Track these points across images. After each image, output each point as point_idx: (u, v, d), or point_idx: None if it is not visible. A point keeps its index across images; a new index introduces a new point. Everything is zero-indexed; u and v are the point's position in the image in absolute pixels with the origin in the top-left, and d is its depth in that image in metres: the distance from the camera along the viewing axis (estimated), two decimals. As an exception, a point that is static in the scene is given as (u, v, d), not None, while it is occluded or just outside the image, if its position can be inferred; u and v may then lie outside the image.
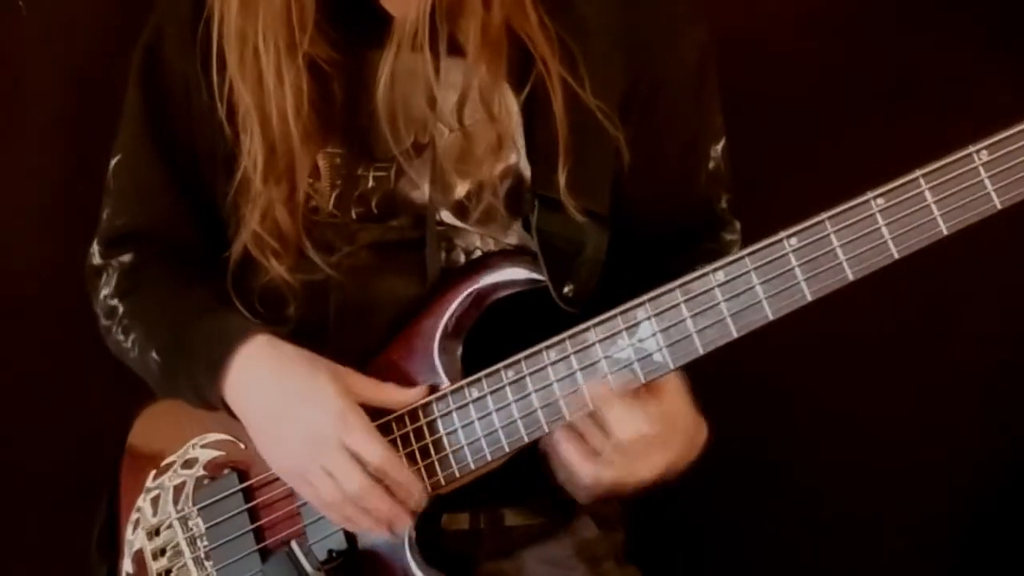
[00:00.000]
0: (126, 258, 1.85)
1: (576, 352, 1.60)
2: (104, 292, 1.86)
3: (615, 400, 1.57)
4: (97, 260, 1.88)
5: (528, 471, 1.72)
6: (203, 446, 1.82)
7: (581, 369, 1.60)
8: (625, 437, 1.56)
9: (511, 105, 1.69)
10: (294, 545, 1.70)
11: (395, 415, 1.68)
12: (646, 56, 1.72)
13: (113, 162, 1.86)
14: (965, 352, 2.30)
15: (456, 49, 1.68)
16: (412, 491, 1.65)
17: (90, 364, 2.23)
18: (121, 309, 1.83)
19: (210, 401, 1.73)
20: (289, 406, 1.66)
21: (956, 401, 2.32)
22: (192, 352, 1.74)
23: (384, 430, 1.67)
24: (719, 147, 1.79)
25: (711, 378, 1.63)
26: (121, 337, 1.83)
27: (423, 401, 1.67)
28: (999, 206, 1.41)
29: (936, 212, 1.43)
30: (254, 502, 1.78)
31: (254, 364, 1.69)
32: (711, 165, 1.79)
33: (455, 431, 1.66)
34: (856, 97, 2.22)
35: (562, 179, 1.67)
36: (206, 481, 1.81)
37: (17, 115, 2.28)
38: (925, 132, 1.47)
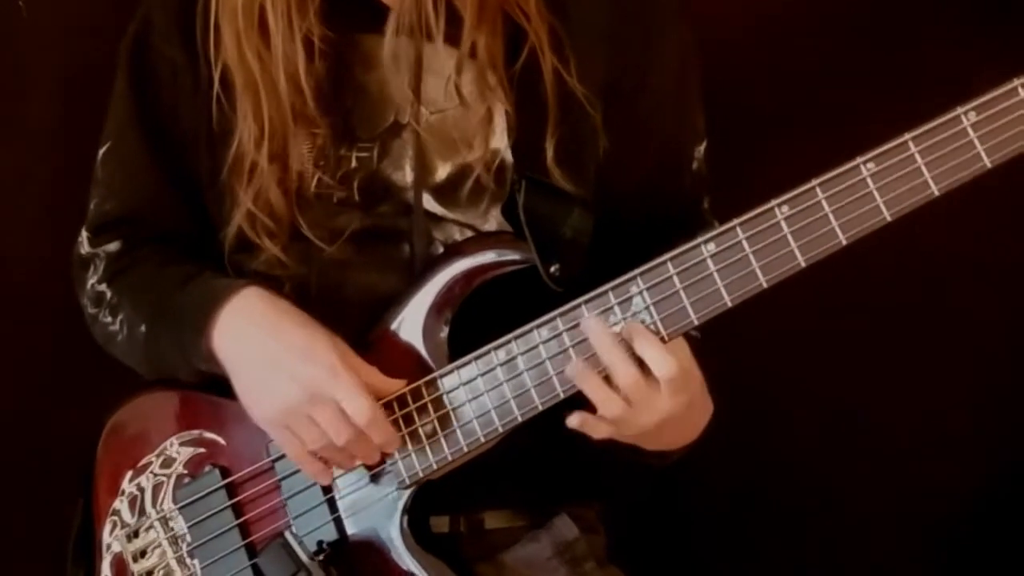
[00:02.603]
0: (113, 247, 1.85)
1: (568, 329, 1.61)
2: (91, 281, 1.85)
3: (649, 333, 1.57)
4: (86, 249, 1.87)
5: (508, 474, 1.74)
6: (182, 444, 1.81)
7: (574, 346, 1.60)
8: (661, 374, 1.56)
9: (498, 85, 1.70)
10: (288, 535, 1.69)
11: (383, 401, 1.67)
12: (631, 51, 1.74)
13: (101, 151, 1.87)
14: (964, 348, 2.34)
15: (447, 37, 1.69)
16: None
17: (64, 366, 2.22)
18: (108, 293, 1.83)
19: (195, 360, 1.72)
20: (281, 355, 1.65)
21: (955, 397, 2.35)
22: (179, 313, 1.74)
23: (374, 417, 1.67)
24: (701, 148, 1.81)
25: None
26: (109, 319, 1.81)
27: (412, 387, 1.67)
28: (989, 165, 1.45)
29: (927, 174, 1.46)
30: (237, 498, 1.76)
31: (244, 314, 1.69)
32: (695, 166, 1.81)
33: (447, 414, 1.66)
34: (850, 95, 2.25)
35: (550, 151, 1.69)
36: (186, 480, 1.79)
37: (17, 115, 2.28)
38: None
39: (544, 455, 1.77)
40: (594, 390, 1.58)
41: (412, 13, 1.68)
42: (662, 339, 1.57)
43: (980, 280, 2.33)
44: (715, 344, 1.66)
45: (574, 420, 1.60)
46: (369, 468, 1.70)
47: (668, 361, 1.55)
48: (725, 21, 2.19)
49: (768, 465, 2.37)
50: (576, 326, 1.60)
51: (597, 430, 1.60)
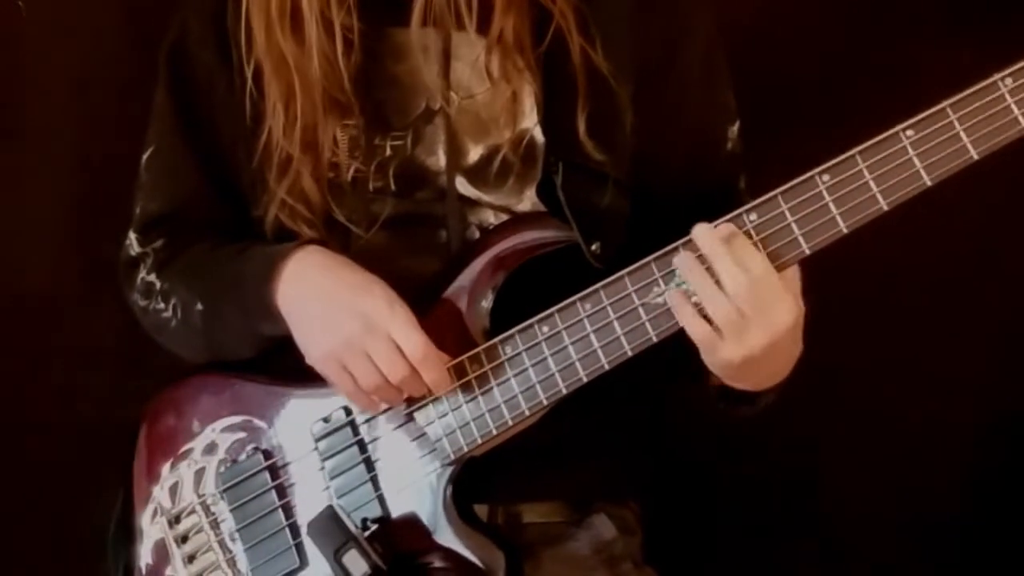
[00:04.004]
0: (160, 242, 1.89)
1: (612, 302, 1.64)
2: (141, 275, 1.89)
3: (722, 248, 1.57)
4: (135, 250, 1.90)
5: (547, 465, 1.77)
6: (223, 430, 1.83)
7: (618, 318, 1.63)
8: (757, 271, 1.56)
9: (524, 66, 1.74)
10: (336, 507, 1.71)
11: None
12: (657, 32, 1.78)
13: (145, 155, 1.91)
14: (966, 348, 2.36)
15: (472, 23, 1.73)
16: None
17: (101, 360, 2.23)
18: (159, 283, 1.86)
19: (257, 322, 1.75)
20: (340, 295, 1.69)
21: (966, 398, 2.38)
22: (239, 279, 1.77)
23: (419, 391, 1.70)
24: (735, 128, 1.84)
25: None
26: (161, 306, 1.84)
27: (455, 361, 1.69)
28: (1027, 128, 1.49)
29: (965, 139, 1.50)
30: (280, 480, 1.78)
31: (307, 265, 1.73)
32: (728, 146, 1.84)
33: (490, 389, 1.69)
34: (857, 87, 2.29)
35: (581, 125, 1.72)
36: (228, 464, 1.81)
37: (17, 115, 2.29)
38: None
39: (584, 448, 1.80)
40: (702, 285, 1.58)
41: (440, 4, 1.73)
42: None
43: (985, 279, 2.36)
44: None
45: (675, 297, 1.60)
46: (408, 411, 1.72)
47: (758, 260, 1.56)
48: (740, 13, 2.23)
49: (801, 472, 2.38)
50: (621, 299, 1.63)
51: (705, 340, 1.59)
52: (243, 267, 1.78)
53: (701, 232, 1.59)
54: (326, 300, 1.70)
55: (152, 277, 1.87)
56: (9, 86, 2.28)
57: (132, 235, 1.91)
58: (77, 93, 2.29)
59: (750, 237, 1.58)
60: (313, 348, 1.72)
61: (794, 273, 1.60)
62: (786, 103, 2.28)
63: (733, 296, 1.56)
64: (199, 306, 1.81)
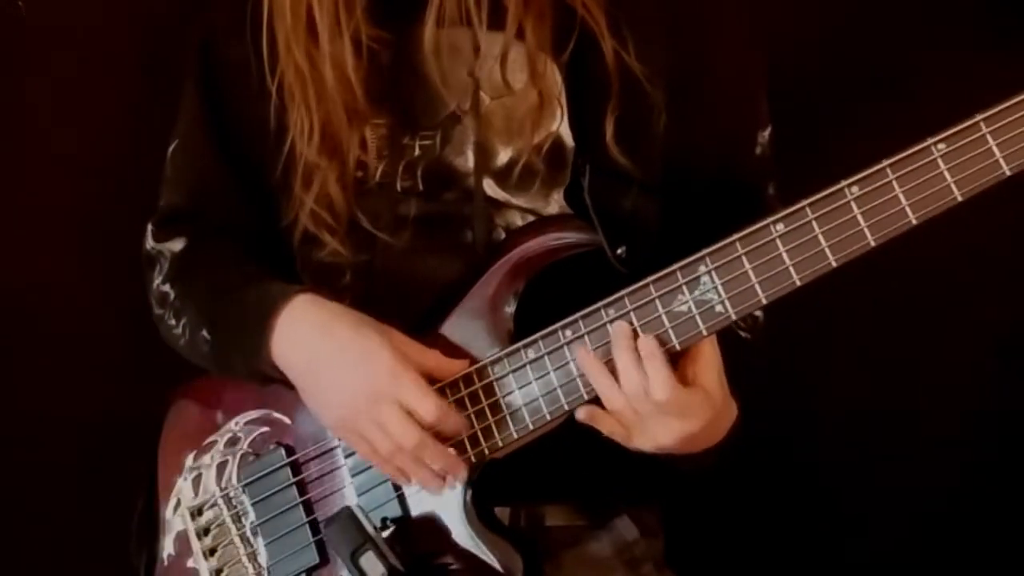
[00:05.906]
0: (177, 245, 1.88)
1: (635, 308, 1.62)
2: (156, 281, 1.88)
3: (661, 356, 1.59)
4: (150, 243, 1.90)
5: (569, 465, 1.75)
6: (247, 423, 1.83)
7: (641, 325, 1.62)
8: (659, 397, 1.58)
9: (551, 69, 1.72)
10: (355, 508, 1.71)
11: (447, 383, 1.68)
12: (692, 34, 1.75)
13: (170, 149, 1.91)
14: (966, 346, 2.34)
15: (496, 23, 1.72)
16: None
17: (122, 353, 2.25)
18: (172, 295, 1.85)
19: (259, 368, 1.74)
20: (339, 360, 1.67)
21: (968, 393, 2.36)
22: (238, 322, 1.76)
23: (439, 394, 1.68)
24: (766, 134, 1.81)
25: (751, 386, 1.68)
26: (173, 322, 1.84)
27: (478, 365, 1.68)
28: (1062, 145, 1.46)
29: (998, 154, 1.47)
30: (302, 476, 1.78)
31: (299, 321, 1.71)
32: (758, 151, 1.81)
33: (512, 392, 1.67)
34: (859, 92, 2.27)
35: (609, 129, 1.70)
36: (251, 458, 1.81)
37: (16, 115, 2.30)
38: (930, 126, 1.52)
39: (605, 449, 1.77)
40: (597, 377, 1.61)
41: (452, 4, 1.71)
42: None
43: (983, 278, 2.34)
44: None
45: (582, 413, 1.63)
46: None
47: (666, 387, 1.58)
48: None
49: (823, 479, 2.37)
50: (644, 305, 1.61)
51: (605, 425, 1.63)
52: (241, 313, 1.76)
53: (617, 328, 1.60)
54: (329, 369, 1.68)
55: (167, 287, 1.86)
56: (9, 86, 2.28)
57: (148, 227, 1.91)
58: (77, 93, 2.29)
59: (776, 248, 1.56)
60: (324, 416, 1.71)
61: (709, 362, 1.61)
62: (805, 108, 2.26)
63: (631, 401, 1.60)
64: (204, 334, 1.80)
